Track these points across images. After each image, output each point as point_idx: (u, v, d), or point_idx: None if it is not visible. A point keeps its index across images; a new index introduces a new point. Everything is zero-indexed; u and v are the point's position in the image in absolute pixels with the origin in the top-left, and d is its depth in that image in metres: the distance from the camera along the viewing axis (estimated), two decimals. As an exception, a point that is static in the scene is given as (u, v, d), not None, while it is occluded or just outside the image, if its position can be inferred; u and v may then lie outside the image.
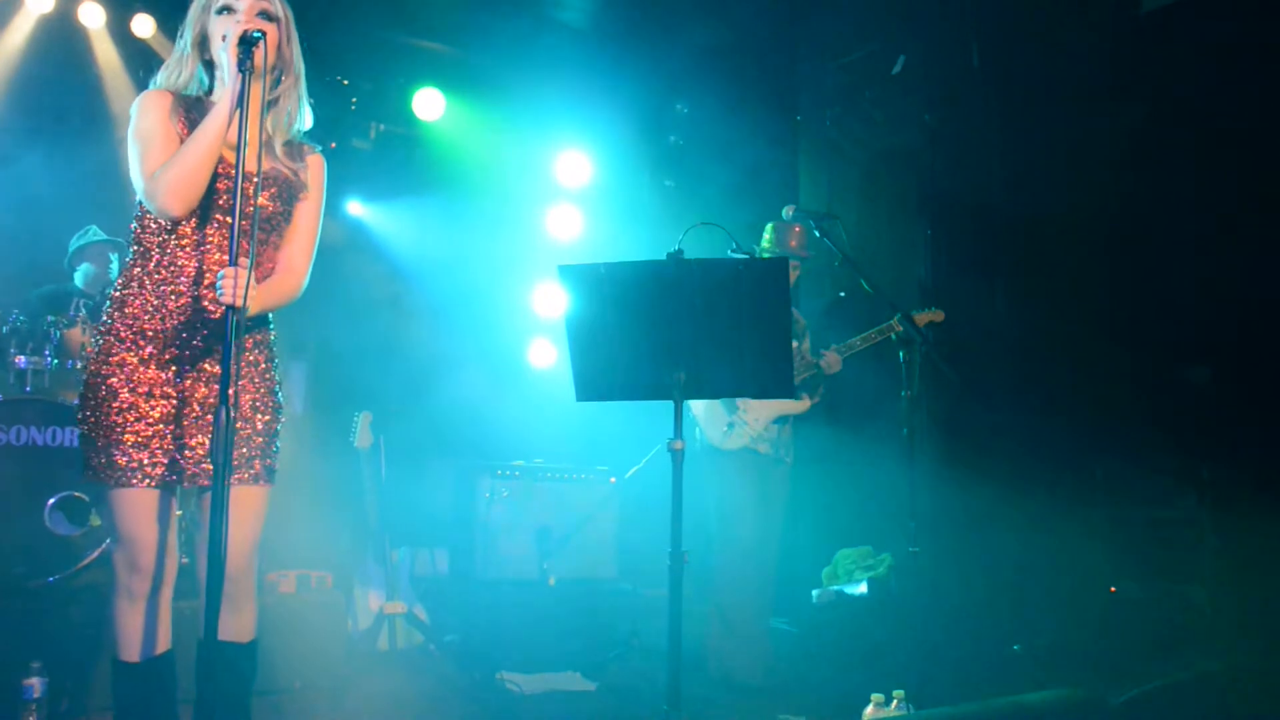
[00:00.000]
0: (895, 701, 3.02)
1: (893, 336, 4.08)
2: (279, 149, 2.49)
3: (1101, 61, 4.90)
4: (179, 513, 2.65)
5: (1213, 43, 4.48)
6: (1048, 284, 5.09)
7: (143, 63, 5.45)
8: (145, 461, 2.35)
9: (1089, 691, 2.82)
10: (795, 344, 4.35)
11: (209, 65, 2.49)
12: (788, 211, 4.17)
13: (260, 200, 2.43)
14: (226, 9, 2.42)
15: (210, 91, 2.50)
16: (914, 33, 5.65)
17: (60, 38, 5.54)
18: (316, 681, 3.85)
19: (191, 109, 2.44)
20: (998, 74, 5.40)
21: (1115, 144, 4.79)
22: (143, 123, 2.40)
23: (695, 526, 4.20)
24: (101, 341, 2.39)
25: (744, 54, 6.10)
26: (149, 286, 2.39)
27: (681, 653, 2.59)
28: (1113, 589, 4.52)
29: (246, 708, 2.53)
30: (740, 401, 4.30)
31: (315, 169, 2.60)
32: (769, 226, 4.53)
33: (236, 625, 2.46)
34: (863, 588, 4.93)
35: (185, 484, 2.38)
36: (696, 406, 4.31)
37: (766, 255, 4.43)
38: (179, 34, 2.50)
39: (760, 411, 4.30)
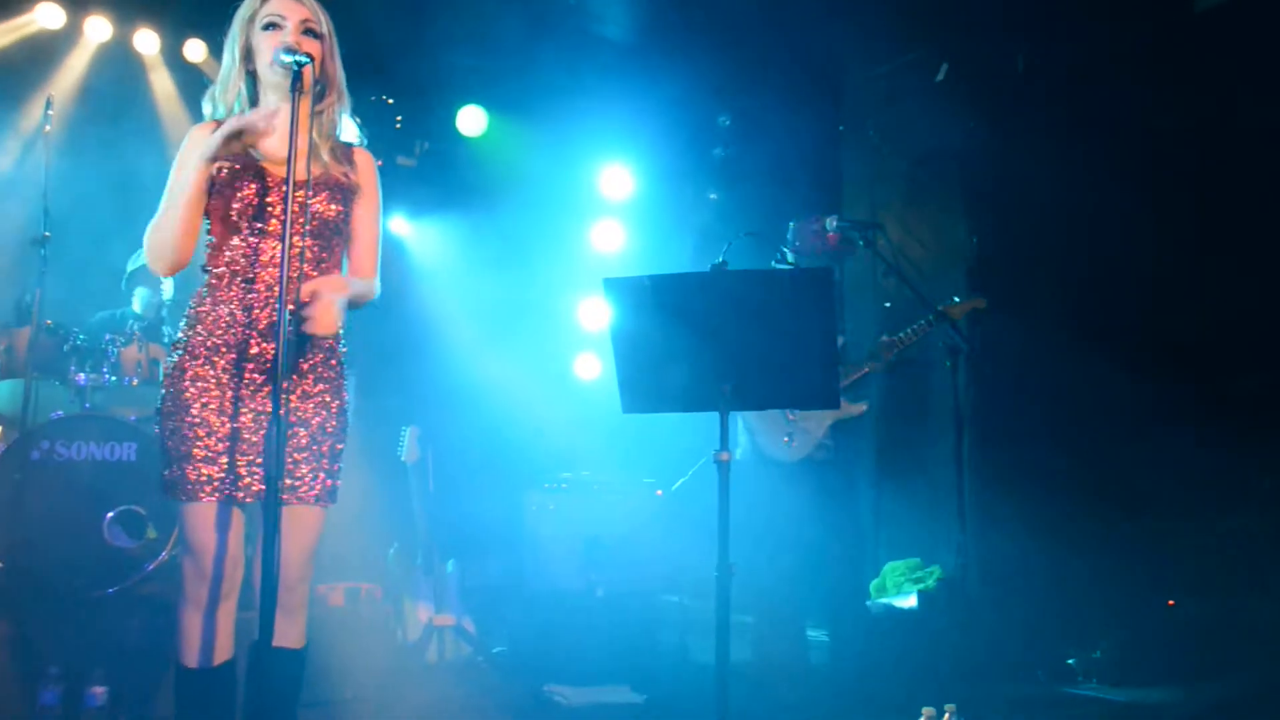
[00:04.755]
0: (947, 715, 2.98)
1: (929, 319, 4.00)
2: (325, 155, 2.52)
3: (1152, 63, 4.82)
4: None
5: (1268, 43, 4.39)
6: (1097, 290, 5.01)
7: (196, 87, 5.57)
8: (214, 475, 2.39)
9: (1149, 705, 2.77)
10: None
11: (251, 77, 2.52)
12: (831, 222, 4.15)
13: (317, 206, 2.47)
14: (273, 25, 2.45)
15: (254, 105, 2.53)
16: (957, 39, 5.61)
17: (117, 64, 5.70)
18: (367, 692, 3.88)
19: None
20: (1043, 78, 5.34)
21: (1166, 146, 4.72)
22: (175, 163, 2.46)
23: (747, 537, 4.18)
24: (177, 358, 2.44)
25: (786, 64, 6.10)
26: (219, 303, 2.44)
27: (730, 666, 2.58)
28: (1170, 602, 4.42)
29: (294, 712, 2.57)
30: (799, 409, 4.22)
31: (365, 166, 2.63)
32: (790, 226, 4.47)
33: (289, 632, 2.50)
34: (912, 600, 4.87)
35: (250, 498, 2.42)
36: (750, 418, 4.26)
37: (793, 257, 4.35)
38: (226, 49, 2.53)
39: (820, 417, 4.21)
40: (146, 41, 5.70)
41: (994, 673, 3.99)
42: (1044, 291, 5.23)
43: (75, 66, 5.62)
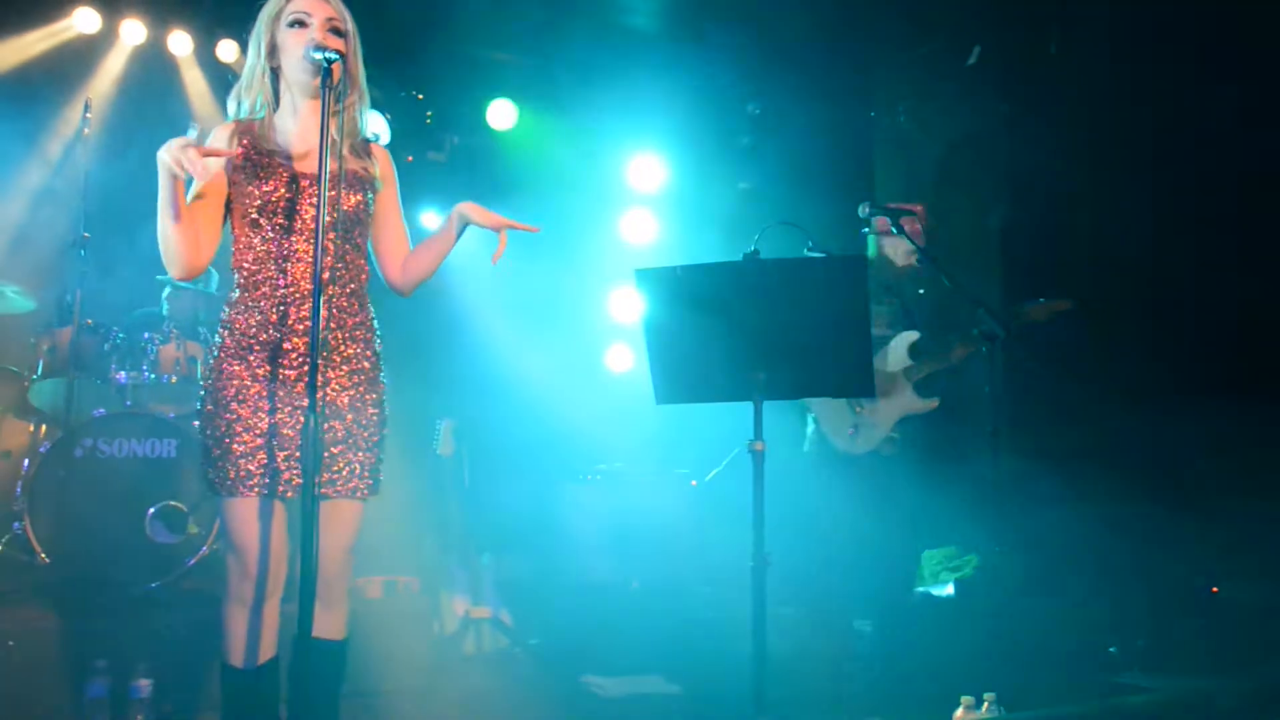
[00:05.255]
0: (986, 704, 2.95)
1: (974, 332, 3.96)
2: (346, 151, 2.53)
3: (1191, 43, 4.72)
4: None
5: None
6: (1135, 273, 4.93)
7: (228, 86, 5.63)
8: (254, 471, 2.41)
9: (1194, 694, 2.73)
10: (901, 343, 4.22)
11: (275, 75, 2.54)
12: (863, 209, 4.11)
13: (341, 200, 2.48)
14: (299, 22, 2.47)
15: (278, 104, 2.55)
16: (989, 22, 5.54)
17: (152, 66, 5.77)
18: (405, 684, 3.92)
19: (253, 133, 2.50)
20: (1077, 60, 5.25)
21: (1205, 127, 4.62)
22: None
23: (796, 528, 4.16)
24: (214, 358, 2.47)
25: (814, 51, 6.05)
26: (252, 302, 2.46)
27: (767, 656, 2.57)
28: (1215, 589, 4.36)
29: (336, 703, 2.59)
30: (864, 401, 4.16)
31: (383, 160, 2.67)
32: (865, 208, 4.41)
33: (329, 624, 2.52)
34: (949, 589, 4.84)
35: (291, 493, 2.44)
36: (815, 407, 4.21)
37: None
38: (250, 47, 2.55)
39: (886, 411, 4.15)
40: (180, 43, 5.77)
41: (1034, 661, 3.94)
42: (1080, 274, 5.16)
43: (111, 70, 5.70)
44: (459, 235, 2.70)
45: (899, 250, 4.34)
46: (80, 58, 5.62)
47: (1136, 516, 4.52)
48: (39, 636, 3.58)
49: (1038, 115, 5.33)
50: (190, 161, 2.23)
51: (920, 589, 4.94)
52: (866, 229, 4.37)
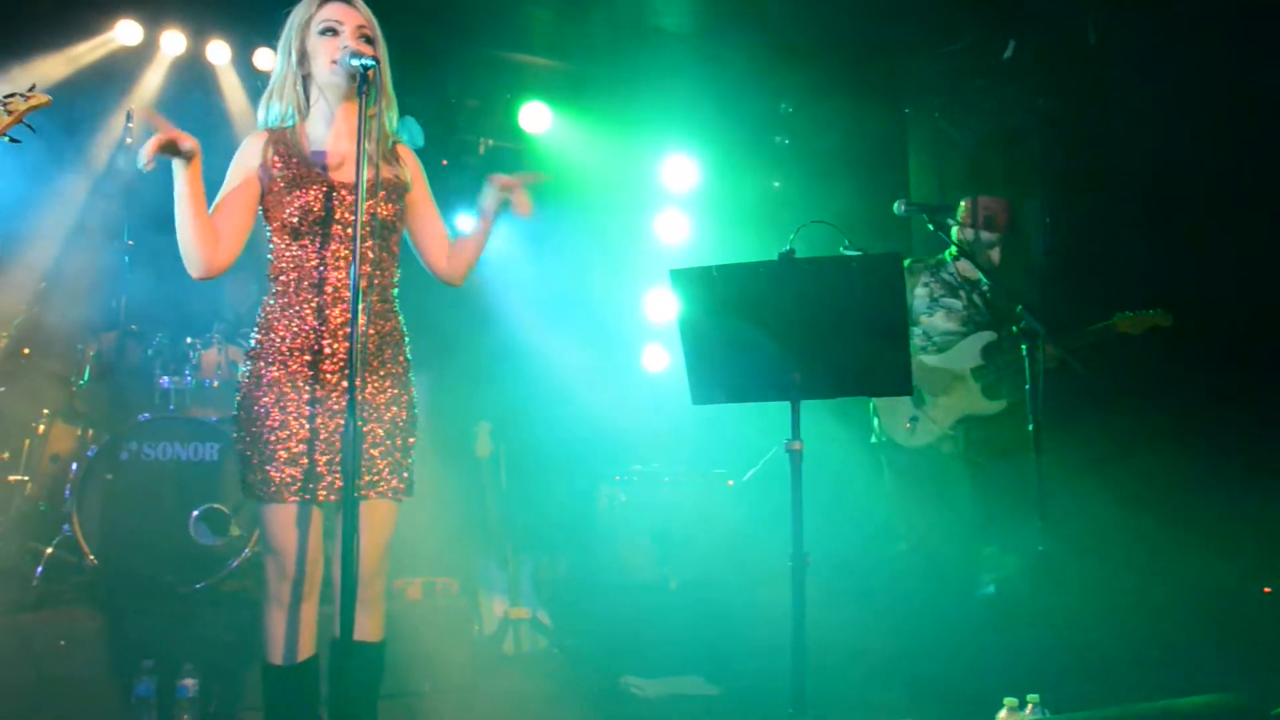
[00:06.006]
0: (1030, 706, 2.92)
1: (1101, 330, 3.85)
2: (378, 158, 2.55)
3: (1240, 26, 4.61)
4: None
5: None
6: (1182, 266, 4.84)
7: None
8: (295, 476, 2.44)
9: (1245, 698, 2.67)
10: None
11: (305, 81, 2.55)
12: (899, 206, 4.08)
13: (376, 207, 2.50)
14: (330, 30, 2.49)
15: (308, 111, 2.57)
16: (1024, 14, 5.46)
17: (191, 76, 5.86)
18: (445, 685, 3.94)
19: (286, 140, 2.52)
20: (1118, 50, 5.16)
21: (1253, 118, 4.53)
22: (227, 171, 2.53)
23: (851, 525, 4.14)
24: (251, 365, 2.50)
25: (847, 49, 6.02)
26: (289, 308, 2.49)
27: (806, 656, 2.56)
28: (1267, 589, 4.27)
29: (374, 704, 2.62)
30: (926, 395, 4.13)
31: (411, 161, 2.69)
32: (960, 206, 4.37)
33: (367, 626, 2.55)
34: (990, 589, 4.78)
35: (333, 496, 2.46)
36: (878, 399, 4.17)
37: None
38: (279, 54, 2.56)
39: (947, 409, 4.12)
40: (218, 52, 5.85)
41: (1079, 663, 3.89)
42: (1125, 270, 5.08)
43: (152, 80, 5.79)
44: (497, 212, 2.70)
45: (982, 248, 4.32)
46: (123, 69, 5.72)
47: (1187, 516, 4.43)
48: (88, 636, 3.66)
49: (1077, 109, 5.25)
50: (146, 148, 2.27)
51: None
52: (951, 221, 4.32)
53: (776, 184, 6.57)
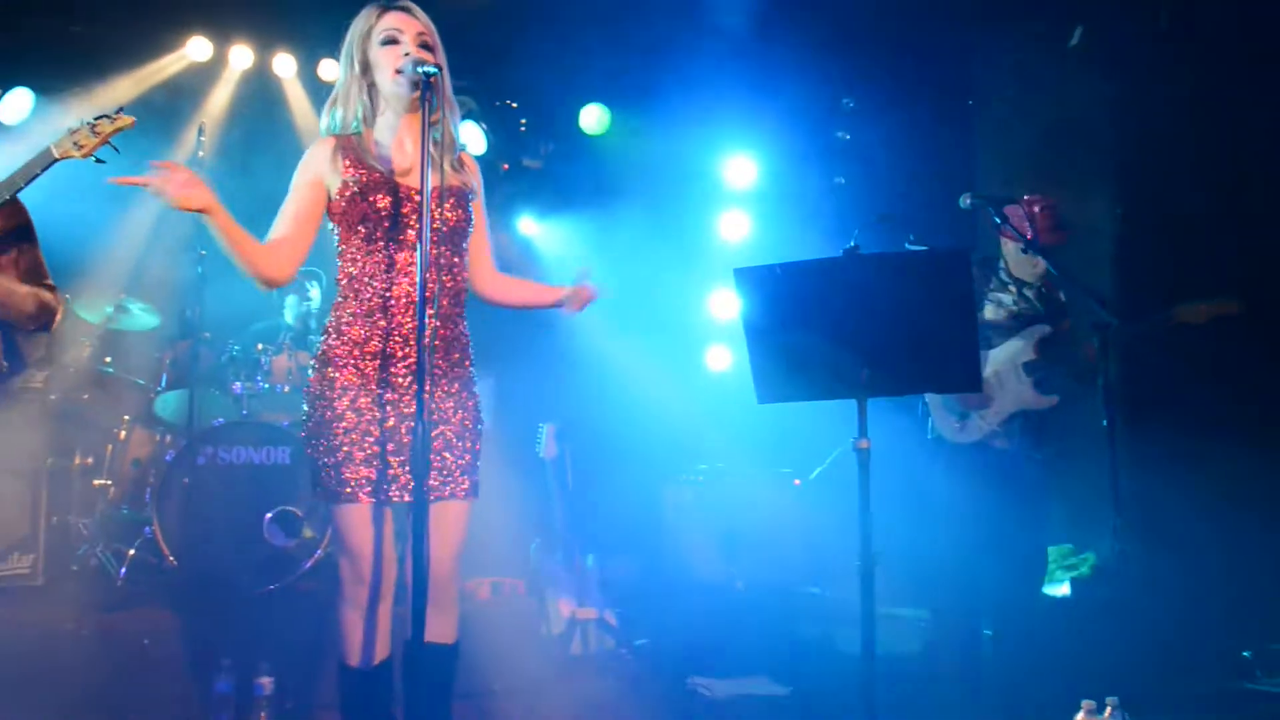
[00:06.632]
0: (1109, 709, 2.84)
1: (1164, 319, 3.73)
2: (446, 166, 2.58)
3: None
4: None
5: None
6: (1255, 258, 4.68)
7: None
8: (368, 477, 2.47)
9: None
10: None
11: (370, 90, 2.58)
12: (965, 199, 4.01)
13: (445, 213, 2.53)
14: (391, 40, 2.52)
15: (374, 120, 2.59)
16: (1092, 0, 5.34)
17: (258, 89, 6.01)
18: (515, 685, 3.97)
19: (353, 147, 2.54)
20: (1190, 36, 5.01)
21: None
22: (294, 177, 2.56)
23: (911, 522, 4.07)
24: (323, 369, 2.53)
25: (910, 41, 5.93)
26: (358, 313, 2.52)
27: (876, 657, 2.53)
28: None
29: (449, 705, 2.64)
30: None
31: (474, 170, 2.72)
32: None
33: (441, 627, 2.58)
34: (1065, 589, 4.68)
35: (406, 496, 2.49)
36: (930, 395, 4.12)
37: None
38: (341, 64, 2.60)
39: (999, 404, 4.04)
40: (284, 65, 5.99)
41: (1159, 666, 3.78)
42: (1196, 262, 4.93)
43: (222, 94, 5.95)
44: (556, 305, 2.88)
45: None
46: (193, 85, 5.89)
47: (1267, 512, 4.29)
48: (169, 634, 3.77)
49: (1148, 96, 5.10)
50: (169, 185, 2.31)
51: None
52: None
53: (839, 180, 6.50)
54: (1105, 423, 3.47)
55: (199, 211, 2.35)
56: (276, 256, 2.50)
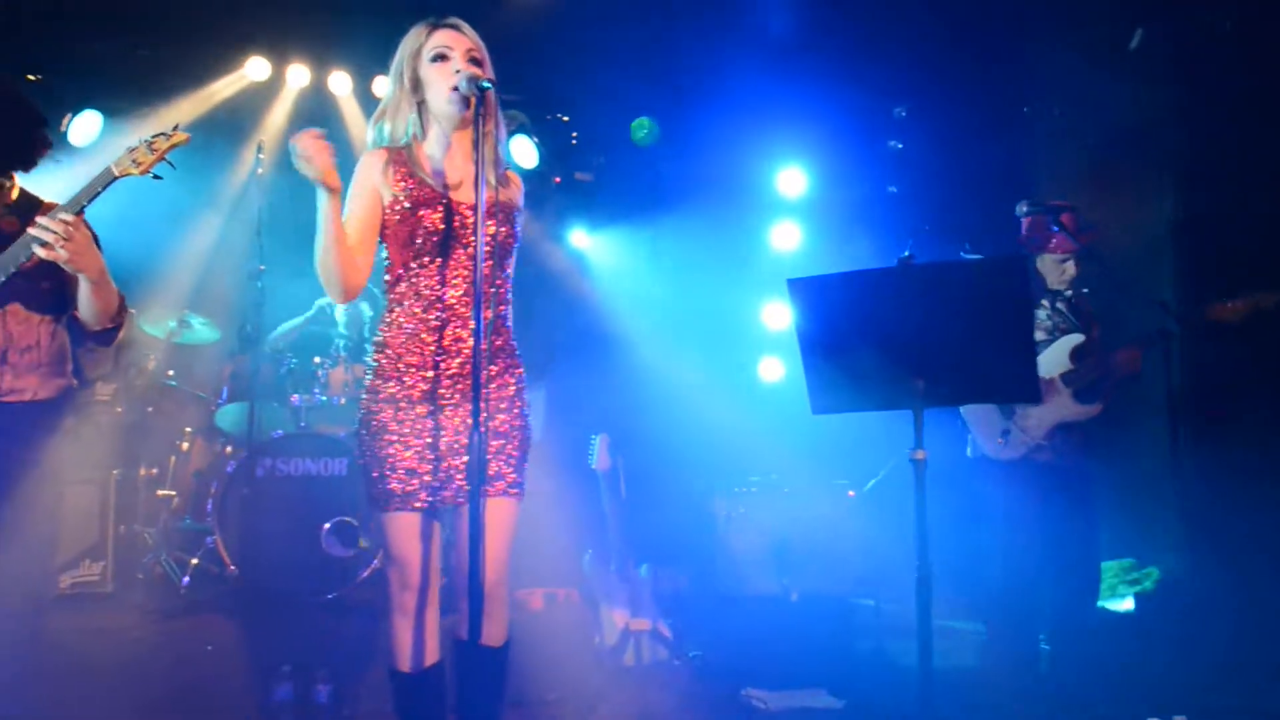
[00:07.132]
0: (1176, 726, 2.78)
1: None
2: (494, 180, 2.59)
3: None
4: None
5: None
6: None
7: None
8: (416, 487, 2.51)
9: None
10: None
11: (420, 107, 2.61)
12: (1021, 207, 3.96)
13: (493, 229, 2.55)
14: (440, 57, 2.55)
15: (424, 135, 2.62)
16: (1153, 2, 5.23)
17: (315, 106, 6.13)
18: (568, 695, 3.98)
19: (405, 161, 2.58)
20: (1255, 37, 4.90)
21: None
22: (349, 189, 2.58)
23: (963, 534, 4.02)
24: (370, 380, 2.58)
25: (963, 47, 5.87)
26: (406, 325, 2.55)
27: (934, 671, 2.50)
28: None
29: (499, 708, 2.66)
30: (1019, 407, 3.99)
31: (519, 187, 2.74)
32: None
33: (490, 630, 2.58)
34: (1128, 603, 4.57)
35: (449, 503, 2.53)
36: (966, 411, 4.07)
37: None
38: (391, 80, 2.64)
39: (1040, 418, 3.99)
40: (339, 82, 6.09)
41: (1226, 682, 3.68)
42: (1264, 268, 4.80)
43: (280, 112, 6.08)
44: None
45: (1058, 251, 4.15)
46: (253, 103, 6.03)
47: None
48: (231, 641, 3.86)
49: (1211, 101, 4.99)
50: (319, 150, 2.37)
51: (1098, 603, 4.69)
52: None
53: (892, 188, 6.45)
54: (1169, 433, 3.40)
55: (329, 189, 2.41)
56: (356, 262, 2.54)
